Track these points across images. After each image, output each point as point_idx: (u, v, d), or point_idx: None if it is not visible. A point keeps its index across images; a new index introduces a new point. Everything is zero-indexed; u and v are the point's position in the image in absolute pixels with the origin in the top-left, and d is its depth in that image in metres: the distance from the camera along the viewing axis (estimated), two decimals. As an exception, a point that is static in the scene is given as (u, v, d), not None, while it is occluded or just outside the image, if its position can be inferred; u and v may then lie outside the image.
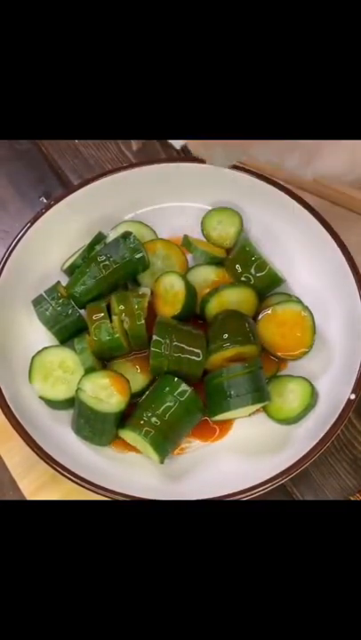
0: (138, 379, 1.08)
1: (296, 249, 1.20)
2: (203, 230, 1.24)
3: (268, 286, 1.16)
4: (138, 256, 1.11)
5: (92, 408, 1.00)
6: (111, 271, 1.11)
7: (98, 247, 1.16)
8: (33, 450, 1.00)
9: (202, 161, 1.27)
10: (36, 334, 1.14)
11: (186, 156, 1.38)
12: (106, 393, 1.02)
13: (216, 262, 1.19)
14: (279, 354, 1.12)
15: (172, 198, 1.26)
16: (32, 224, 1.17)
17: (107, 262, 1.11)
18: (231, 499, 0.97)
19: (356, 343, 1.08)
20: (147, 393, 1.05)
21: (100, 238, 1.19)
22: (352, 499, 1.07)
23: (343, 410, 1.02)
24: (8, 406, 1.03)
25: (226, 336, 1.06)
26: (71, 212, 1.20)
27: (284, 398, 1.08)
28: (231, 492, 0.98)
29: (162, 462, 1.03)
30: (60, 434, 1.06)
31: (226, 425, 1.09)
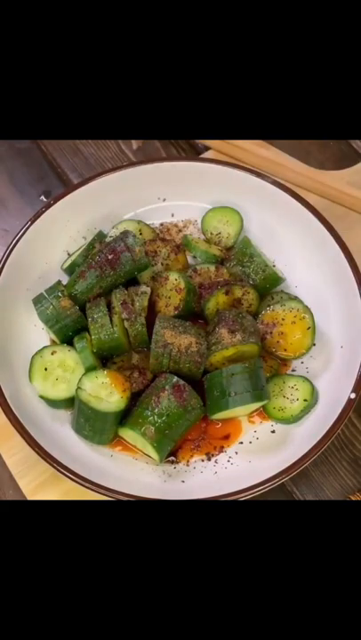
0: (138, 377, 1.08)
1: (296, 248, 1.20)
2: (203, 229, 1.24)
3: (269, 285, 1.16)
4: (138, 255, 1.11)
5: (92, 407, 1.00)
6: (111, 270, 1.11)
7: (98, 246, 1.16)
8: (33, 449, 1.00)
9: (201, 160, 1.28)
10: (37, 333, 1.14)
11: (186, 155, 1.38)
12: (106, 392, 1.02)
13: (216, 261, 1.19)
14: (279, 353, 1.12)
15: (172, 197, 1.26)
16: (32, 223, 1.16)
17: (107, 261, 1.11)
18: (230, 498, 0.97)
19: (356, 342, 1.08)
20: (146, 391, 1.05)
21: (100, 237, 1.19)
22: (352, 498, 1.07)
23: (343, 409, 1.02)
24: (8, 405, 1.03)
25: (226, 335, 1.05)
26: (71, 211, 1.20)
27: (284, 397, 1.08)
28: (230, 491, 0.98)
29: (161, 461, 1.03)
30: (60, 433, 1.06)
31: (235, 432, 1.09)
